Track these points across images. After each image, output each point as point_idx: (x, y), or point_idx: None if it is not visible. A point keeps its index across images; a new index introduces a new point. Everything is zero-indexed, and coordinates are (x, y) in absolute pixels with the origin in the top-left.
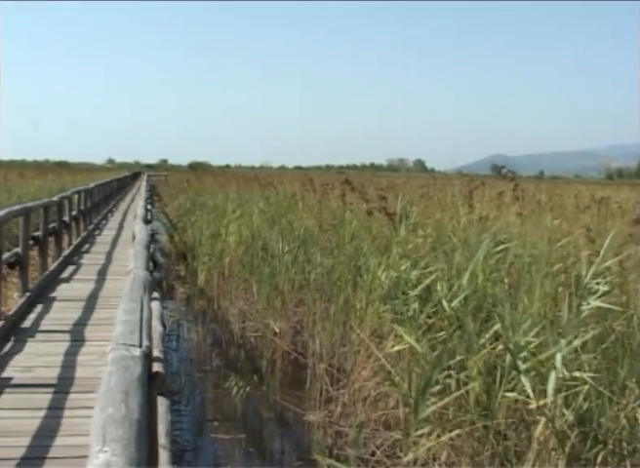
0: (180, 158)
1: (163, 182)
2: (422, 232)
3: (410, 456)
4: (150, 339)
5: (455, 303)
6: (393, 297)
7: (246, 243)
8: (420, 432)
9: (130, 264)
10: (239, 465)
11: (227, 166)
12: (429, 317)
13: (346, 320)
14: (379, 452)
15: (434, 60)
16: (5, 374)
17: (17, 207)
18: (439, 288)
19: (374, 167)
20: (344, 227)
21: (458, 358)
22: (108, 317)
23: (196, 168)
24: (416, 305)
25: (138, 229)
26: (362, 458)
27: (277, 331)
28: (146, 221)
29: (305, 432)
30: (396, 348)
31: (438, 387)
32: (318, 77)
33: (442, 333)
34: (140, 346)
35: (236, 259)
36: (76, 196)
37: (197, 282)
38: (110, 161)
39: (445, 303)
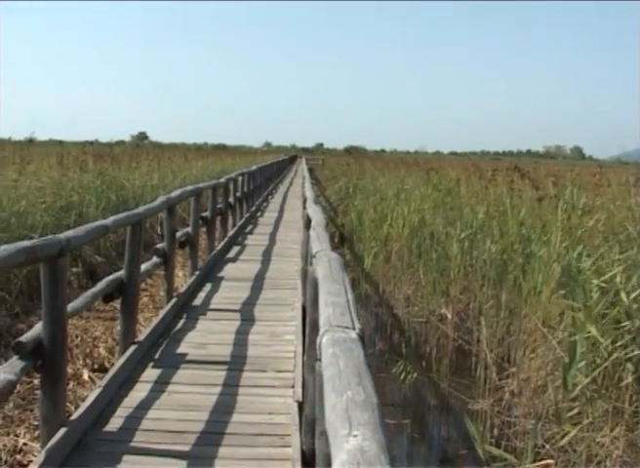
0: (336, 142)
1: (320, 166)
2: (593, 220)
3: (581, 451)
4: (360, 322)
5: (633, 296)
6: (569, 286)
7: (412, 227)
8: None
9: (314, 246)
10: (403, 450)
11: (382, 150)
12: (605, 308)
13: (514, 308)
14: (547, 446)
15: (592, 44)
16: (180, 350)
17: (189, 187)
18: (617, 279)
19: (530, 153)
20: (513, 214)
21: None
22: (276, 297)
23: (352, 152)
24: (596, 295)
25: (312, 211)
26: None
27: (449, 316)
28: (316, 203)
29: (471, 421)
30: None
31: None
32: (471, 59)
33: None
34: (354, 329)
35: (402, 244)
36: (240, 178)
37: (363, 265)
38: (267, 144)
39: (623, 295)
